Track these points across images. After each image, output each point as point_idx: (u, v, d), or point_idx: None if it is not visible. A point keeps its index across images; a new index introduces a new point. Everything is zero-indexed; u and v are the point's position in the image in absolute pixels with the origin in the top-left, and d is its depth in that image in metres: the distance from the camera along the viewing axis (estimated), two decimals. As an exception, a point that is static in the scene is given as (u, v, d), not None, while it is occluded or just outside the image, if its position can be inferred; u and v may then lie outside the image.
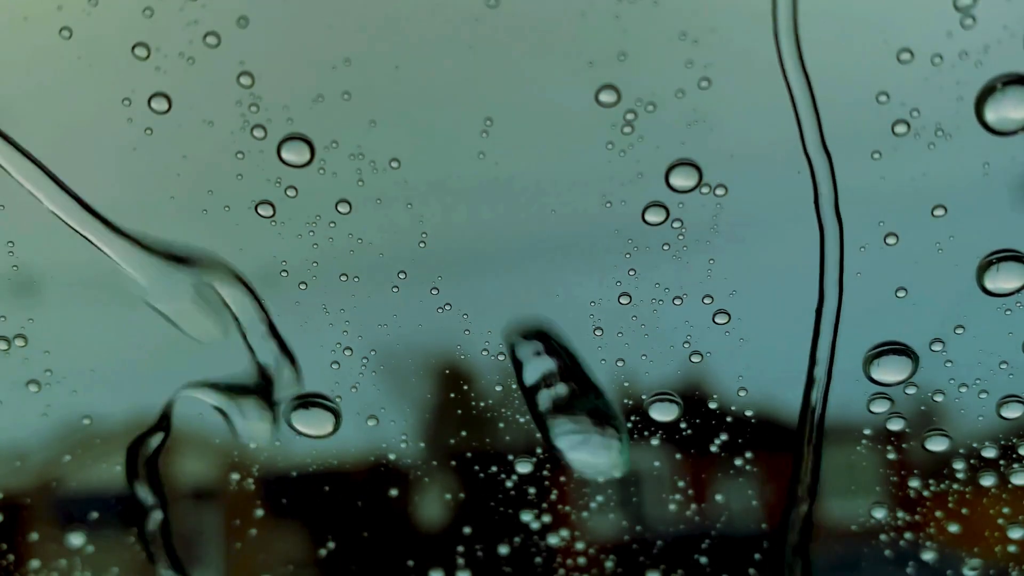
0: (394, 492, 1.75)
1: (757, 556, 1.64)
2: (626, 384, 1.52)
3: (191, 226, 1.44)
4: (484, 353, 1.53)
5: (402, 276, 1.48)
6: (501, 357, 1.51)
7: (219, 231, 1.45)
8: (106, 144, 1.45)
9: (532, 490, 1.65)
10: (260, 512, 1.77)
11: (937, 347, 1.44)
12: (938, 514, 1.60)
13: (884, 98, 1.33)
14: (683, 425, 1.52)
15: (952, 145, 1.34)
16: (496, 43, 1.39)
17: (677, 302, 1.46)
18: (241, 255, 1.47)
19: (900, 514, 1.58)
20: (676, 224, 1.42)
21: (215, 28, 1.32)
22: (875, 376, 1.42)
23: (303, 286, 1.48)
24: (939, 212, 1.37)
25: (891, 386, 1.42)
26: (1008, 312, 1.40)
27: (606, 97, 1.34)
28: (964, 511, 1.58)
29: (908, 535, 1.54)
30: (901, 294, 1.42)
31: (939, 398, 1.47)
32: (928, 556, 1.62)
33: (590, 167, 1.42)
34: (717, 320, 1.46)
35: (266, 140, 1.37)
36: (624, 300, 1.47)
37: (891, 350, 1.40)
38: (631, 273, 1.46)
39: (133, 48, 1.34)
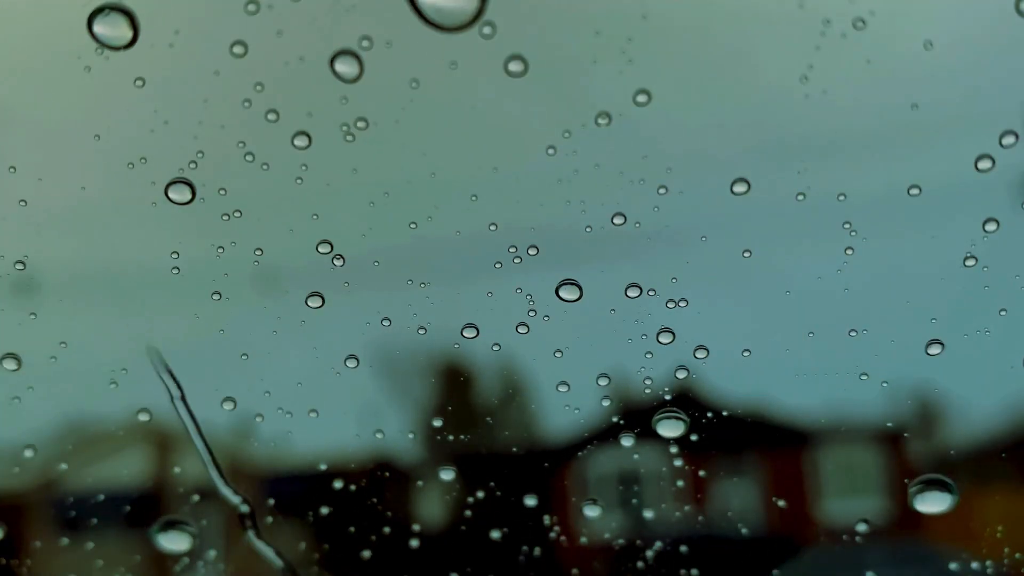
0: (394, 492, 1.76)
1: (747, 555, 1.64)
2: (624, 385, 1.52)
3: (199, 222, 1.45)
4: (485, 353, 1.53)
5: (402, 276, 1.48)
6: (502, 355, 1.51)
7: (221, 231, 1.46)
8: (107, 144, 1.45)
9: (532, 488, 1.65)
10: (260, 512, 1.77)
11: (936, 348, 1.44)
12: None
13: (884, 98, 1.33)
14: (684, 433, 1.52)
15: (952, 145, 1.34)
16: (496, 44, 1.39)
17: (671, 305, 1.46)
18: (243, 255, 1.47)
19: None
20: (668, 226, 1.42)
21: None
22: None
23: (304, 286, 1.48)
24: (939, 212, 1.37)
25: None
26: (1003, 312, 1.40)
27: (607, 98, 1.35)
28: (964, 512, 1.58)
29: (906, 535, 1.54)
30: (901, 294, 1.43)
31: (939, 398, 1.47)
32: (928, 556, 1.62)
33: (589, 167, 1.42)
34: (714, 319, 1.46)
35: (278, 127, 1.36)
36: (624, 300, 1.47)
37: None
38: (631, 275, 1.46)
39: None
